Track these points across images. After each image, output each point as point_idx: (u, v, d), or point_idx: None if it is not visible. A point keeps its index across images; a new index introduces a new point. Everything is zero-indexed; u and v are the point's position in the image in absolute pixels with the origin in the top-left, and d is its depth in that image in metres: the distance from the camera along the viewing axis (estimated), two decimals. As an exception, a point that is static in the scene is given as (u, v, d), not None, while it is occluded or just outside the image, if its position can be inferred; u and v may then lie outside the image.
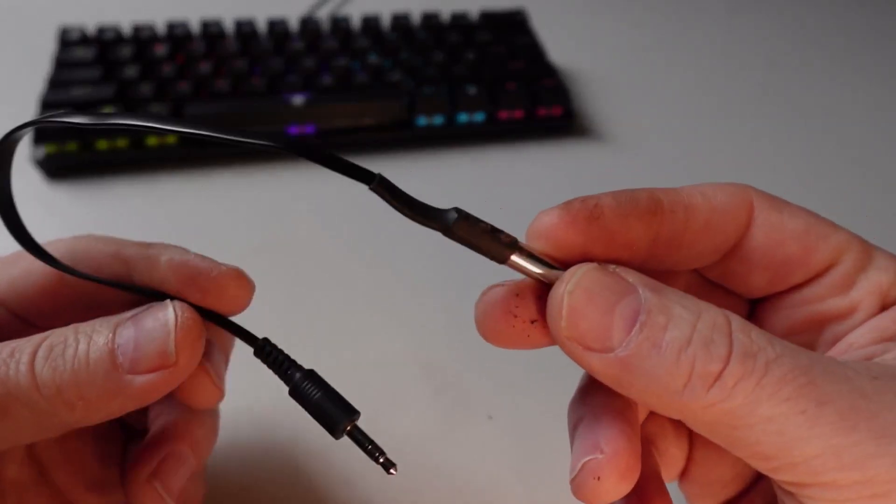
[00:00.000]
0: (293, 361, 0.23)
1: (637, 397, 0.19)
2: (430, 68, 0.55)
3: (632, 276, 0.20)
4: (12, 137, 0.21)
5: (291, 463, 0.34)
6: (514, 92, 0.53)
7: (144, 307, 0.22)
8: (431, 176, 0.52)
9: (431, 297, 0.43)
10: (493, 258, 0.20)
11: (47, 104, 0.50)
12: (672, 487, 0.27)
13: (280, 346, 0.23)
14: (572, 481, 0.21)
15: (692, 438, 0.27)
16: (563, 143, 0.55)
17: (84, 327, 0.22)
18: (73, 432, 0.27)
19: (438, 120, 0.53)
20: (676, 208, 0.22)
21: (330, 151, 0.19)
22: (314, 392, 0.22)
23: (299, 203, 0.49)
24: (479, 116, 0.53)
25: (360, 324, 0.41)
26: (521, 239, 0.21)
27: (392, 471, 0.22)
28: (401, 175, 0.51)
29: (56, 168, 0.49)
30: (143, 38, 0.57)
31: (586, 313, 0.19)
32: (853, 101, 0.61)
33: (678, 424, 0.27)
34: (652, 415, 0.26)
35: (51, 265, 0.23)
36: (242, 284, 0.24)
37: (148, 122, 0.19)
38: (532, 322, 0.21)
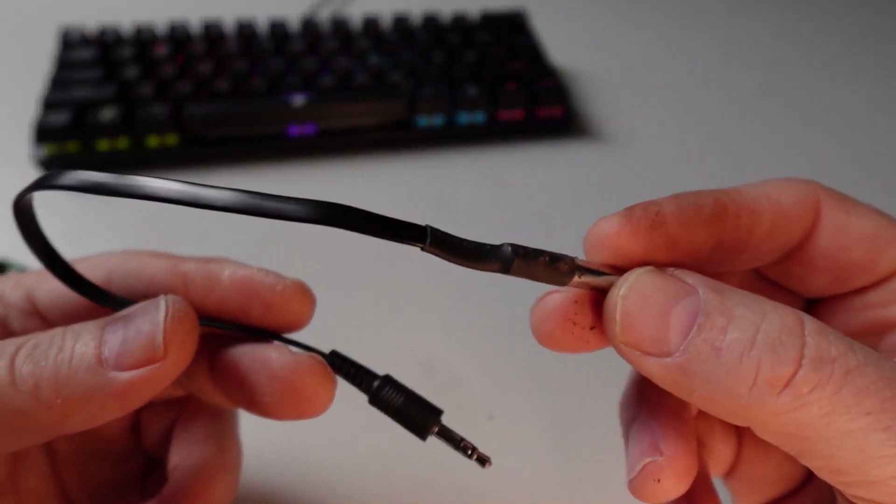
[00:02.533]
0: (367, 370, 0.23)
1: (700, 404, 0.18)
2: (430, 69, 0.55)
3: (692, 278, 0.19)
4: (24, 200, 0.20)
5: (285, 474, 0.34)
6: (514, 92, 0.53)
7: (140, 304, 0.21)
8: (431, 176, 0.52)
9: (432, 297, 0.43)
10: (553, 285, 0.20)
11: (48, 104, 0.50)
12: (716, 482, 0.27)
13: (347, 354, 0.23)
14: (631, 482, 0.21)
15: (740, 436, 0.26)
16: (563, 143, 0.55)
17: (75, 327, 0.21)
18: (93, 455, 0.26)
19: (438, 120, 0.53)
20: (742, 212, 0.21)
21: (370, 214, 0.17)
22: (396, 398, 0.22)
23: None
24: (479, 117, 0.53)
25: (360, 323, 0.41)
26: (580, 246, 0.21)
27: (487, 465, 0.22)
28: (401, 175, 0.51)
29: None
30: (143, 39, 0.57)
31: (641, 317, 0.18)
32: (853, 101, 0.61)
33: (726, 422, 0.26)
34: (701, 411, 0.25)
35: (101, 304, 0.23)
36: (306, 299, 0.23)
37: (171, 195, 0.18)
38: (591, 328, 0.20)
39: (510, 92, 0.53)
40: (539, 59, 0.58)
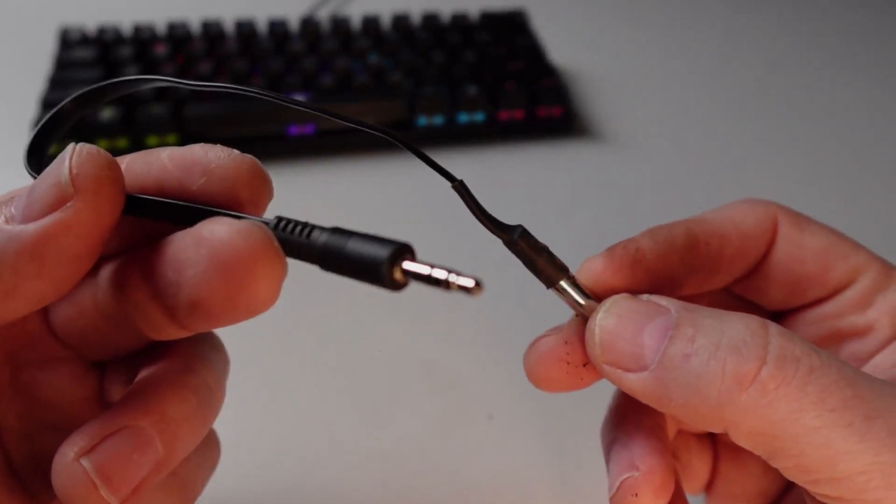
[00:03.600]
0: (314, 225, 0.18)
1: (679, 413, 0.19)
2: (430, 68, 0.55)
3: (664, 301, 0.20)
4: (117, 85, 0.21)
5: (285, 474, 0.34)
6: (514, 92, 0.53)
7: None
8: (432, 176, 0.52)
9: (432, 296, 0.43)
10: (544, 279, 0.21)
11: (48, 104, 0.50)
12: (697, 501, 0.28)
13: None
14: (611, 499, 0.22)
15: (717, 452, 0.27)
16: (563, 143, 0.55)
17: None
18: (45, 428, 0.23)
19: (438, 120, 0.53)
20: (711, 239, 0.23)
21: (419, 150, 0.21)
22: (343, 244, 0.17)
23: (297, 202, 0.49)
24: (479, 116, 0.53)
25: (360, 322, 0.41)
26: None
27: (476, 291, 0.17)
28: (400, 175, 0.51)
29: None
30: (143, 39, 0.57)
31: (618, 336, 0.20)
32: (853, 101, 0.61)
33: (702, 438, 0.27)
34: (678, 430, 0.27)
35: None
36: (258, 175, 0.19)
37: (256, 91, 0.19)
38: (584, 365, 0.22)
39: (510, 92, 0.53)
40: (539, 59, 0.58)
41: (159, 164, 0.19)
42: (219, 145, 0.20)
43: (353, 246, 0.17)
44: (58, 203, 0.17)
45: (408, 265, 0.17)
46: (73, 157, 0.17)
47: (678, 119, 0.59)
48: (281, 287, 0.17)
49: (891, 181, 0.53)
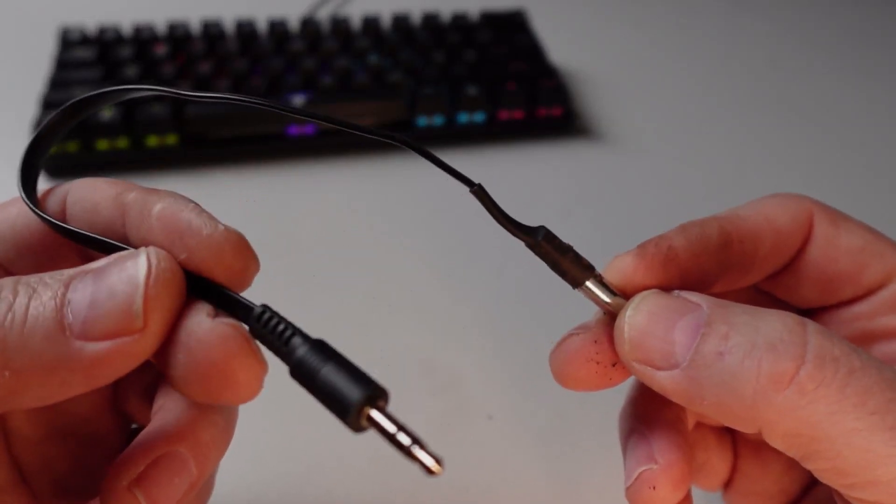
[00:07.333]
0: (297, 330, 0.18)
1: (710, 412, 0.19)
2: (430, 68, 0.55)
3: (695, 297, 0.20)
4: (73, 105, 0.21)
5: (286, 474, 0.34)
6: (514, 92, 0.53)
7: (114, 256, 0.18)
8: (432, 176, 0.52)
9: (432, 297, 0.43)
10: (570, 279, 0.21)
11: (48, 104, 0.50)
12: (715, 498, 0.27)
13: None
14: (628, 489, 0.22)
15: (736, 450, 0.27)
16: (563, 143, 0.55)
17: (31, 279, 0.17)
18: (58, 435, 0.23)
19: (438, 120, 0.53)
20: (745, 238, 0.22)
21: (437, 157, 0.21)
22: (321, 369, 0.17)
23: (297, 202, 0.49)
24: (479, 116, 0.53)
25: (360, 323, 0.41)
26: (580, 247, 0.22)
27: (434, 472, 0.16)
28: (400, 175, 0.51)
29: (57, 168, 0.49)
30: (143, 39, 0.57)
31: (648, 333, 0.19)
32: (853, 101, 0.61)
33: (721, 434, 0.27)
34: (696, 424, 0.26)
35: (44, 221, 0.20)
36: (242, 253, 0.19)
37: (250, 99, 0.19)
38: (613, 365, 0.21)
39: (510, 92, 0.53)
40: (539, 59, 0.58)
41: (148, 224, 0.19)
42: (205, 214, 0.19)
43: (327, 375, 0.17)
44: (123, 331, 0.16)
45: (376, 415, 0.16)
46: (150, 283, 0.17)
47: (678, 119, 0.59)
48: (262, 382, 0.18)
49: (892, 180, 0.53)
